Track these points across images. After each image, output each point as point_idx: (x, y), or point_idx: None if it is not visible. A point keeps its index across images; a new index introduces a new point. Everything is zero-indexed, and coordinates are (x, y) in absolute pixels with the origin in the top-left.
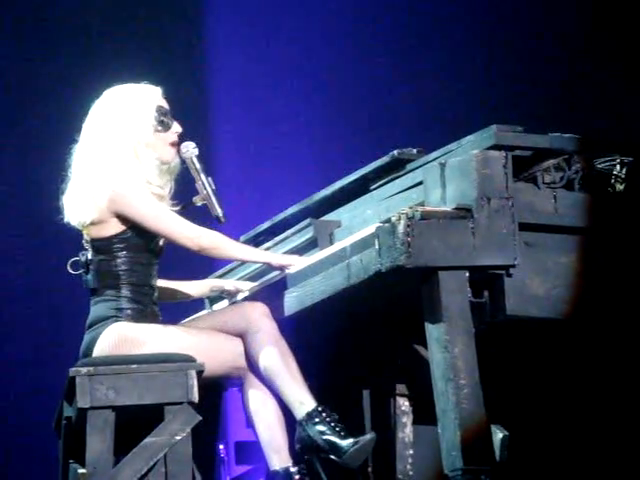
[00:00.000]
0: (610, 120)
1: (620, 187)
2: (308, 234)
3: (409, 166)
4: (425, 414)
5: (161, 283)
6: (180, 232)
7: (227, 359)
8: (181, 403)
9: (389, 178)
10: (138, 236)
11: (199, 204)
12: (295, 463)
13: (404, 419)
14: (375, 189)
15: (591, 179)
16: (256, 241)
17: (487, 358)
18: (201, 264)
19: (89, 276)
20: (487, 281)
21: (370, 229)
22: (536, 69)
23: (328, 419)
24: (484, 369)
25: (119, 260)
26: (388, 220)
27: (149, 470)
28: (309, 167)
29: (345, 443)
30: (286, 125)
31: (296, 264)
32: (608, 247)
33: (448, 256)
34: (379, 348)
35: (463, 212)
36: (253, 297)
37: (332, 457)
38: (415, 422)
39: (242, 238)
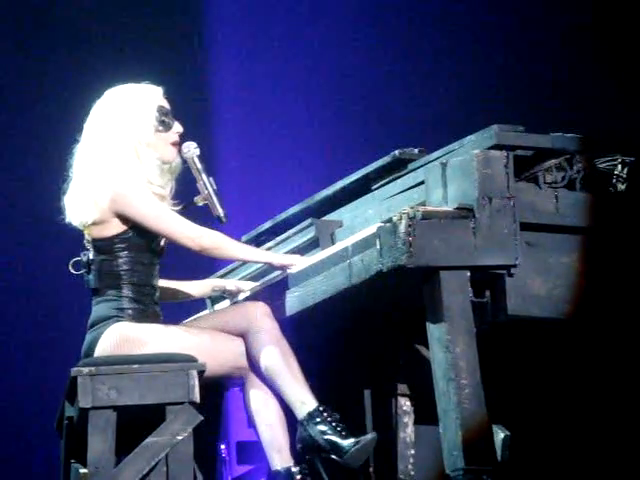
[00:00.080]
0: (611, 120)
1: (621, 187)
2: (310, 234)
3: (410, 166)
4: (426, 414)
5: (162, 283)
6: (181, 232)
7: (228, 359)
8: (182, 403)
9: (390, 178)
10: (139, 236)
11: (200, 204)
12: (296, 463)
13: (405, 419)
14: (376, 189)
15: (592, 179)
16: (258, 241)
17: (488, 358)
18: (202, 264)
19: (91, 276)
20: (488, 281)
21: (371, 229)
22: (537, 69)
23: (329, 419)
24: (485, 369)
25: (120, 260)
26: (389, 220)
27: (150, 470)
28: (310, 167)
29: (346, 443)
30: (287, 125)
31: (297, 264)
32: (610, 247)
33: (449, 256)
34: (380, 348)
35: (464, 212)
36: (254, 297)
37: (333, 457)
38: (416, 422)
39: (244, 238)
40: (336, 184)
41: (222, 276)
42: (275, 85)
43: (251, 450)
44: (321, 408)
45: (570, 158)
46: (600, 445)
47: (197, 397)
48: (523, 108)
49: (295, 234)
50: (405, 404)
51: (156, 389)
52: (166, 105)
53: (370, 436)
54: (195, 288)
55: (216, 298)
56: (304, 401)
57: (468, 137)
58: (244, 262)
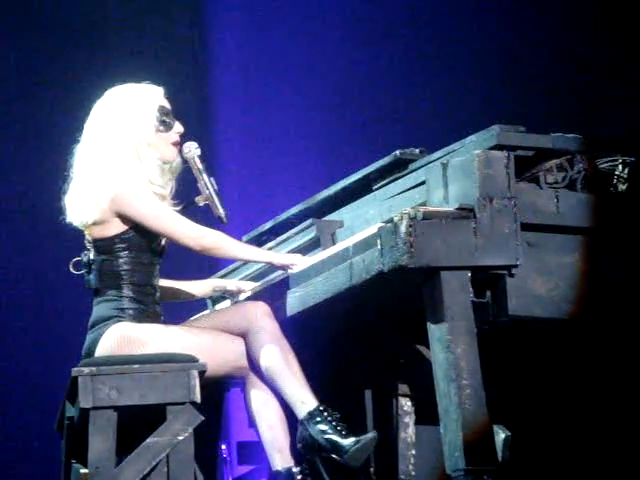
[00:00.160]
0: (612, 120)
1: (622, 187)
2: (311, 234)
3: (411, 166)
4: (427, 414)
5: (163, 283)
6: (182, 232)
7: (229, 359)
8: (183, 403)
9: (391, 178)
10: (140, 236)
11: (201, 204)
12: (297, 463)
13: (406, 419)
14: (377, 189)
15: (593, 179)
16: (259, 241)
17: (489, 358)
18: (203, 264)
19: (91, 276)
20: (489, 281)
21: (372, 229)
22: (538, 69)
23: (330, 418)
24: (486, 369)
25: (121, 260)
26: (390, 220)
27: (151, 470)
28: (311, 167)
29: (347, 442)
30: (288, 125)
31: (298, 263)
32: (610, 247)
33: (450, 256)
34: (381, 348)
35: (465, 212)
36: (255, 297)
37: (334, 456)
38: (417, 422)
39: (244, 238)
40: (337, 184)
41: (223, 276)
42: (275, 85)
43: (252, 450)
44: (321, 408)
45: (571, 158)
46: (601, 445)
47: (198, 397)
48: (524, 108)
49: (296, 234)
50: (406, 404)
51: (157, 389)
52: (167, 105)
53: (370, 435)
54: (196, 288)
55: (217, 298)
56: (304, 401)
57: (469, 137)
58: (245, 262)
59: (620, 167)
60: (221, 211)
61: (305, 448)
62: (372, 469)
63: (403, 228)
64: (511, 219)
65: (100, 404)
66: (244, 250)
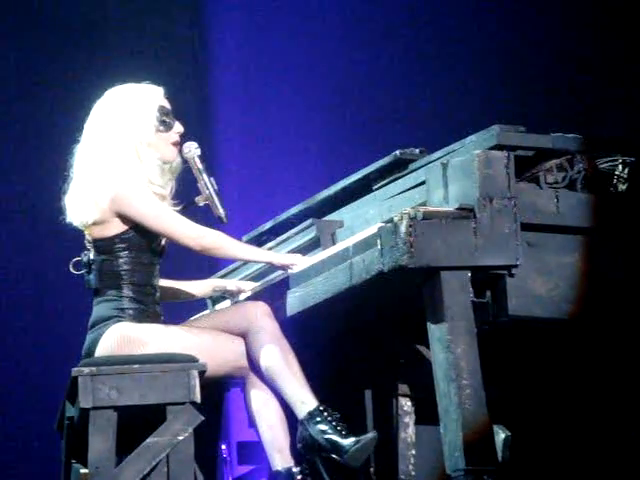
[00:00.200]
0: (612, 120)
1: (622, 187)
2: (311, 234)
3: (411, 166)
4: (427, 414)
5: (163, 283)
6: (182, 232)
7: (229, 359)
8: (183, 403)
9: (391, 178)
10: (140, 236)
11: (201, 204)
12: (297, 463)
13: (406, 419)
14: (377, 189)
15: (593, 179)
16: (259, 241)
17: (489, 358)
18: (203, 264)
19: (91, 276)
20: (489, 281)
21: (372, 229)
22: (538, 69)
23: (329, 418)
24: (486, 369)
25: (121, 260)
26: (390, 220)
27: (151, 470)
28: (311, 167)
29: (347, 442)
30: (288, 125)
31: (298, 263)
32: (610, 247)
33: (450, 256)
34: (381, 348)
35: (465, 212)
36: (255, 297)
37: (334, 456)
38: (417, 422)
39: (244, 238)
40: (337, 184)
41: (223, 276)
42: (275, 85)
43: (252, 450)
44: (321, 407)
45: (571, 158)
46: (601, 445)
47: (198, 397)
48: (524, 108)
49: (296, 234)
50: (406, 404)
51: (157, 389)
52: (167, 105)
53: (370, 435)
54: (196, 288)
55: (217, 298)
56: (304, 400)
57: (469, 137)
58: (245, 262)
59: (620, 167)
60: (221, 211)
61: (305, 448)
62: (372, 469)
63: (403, 228)
64: (511, 219)
65: (100, 404)
66: (244, 250)
